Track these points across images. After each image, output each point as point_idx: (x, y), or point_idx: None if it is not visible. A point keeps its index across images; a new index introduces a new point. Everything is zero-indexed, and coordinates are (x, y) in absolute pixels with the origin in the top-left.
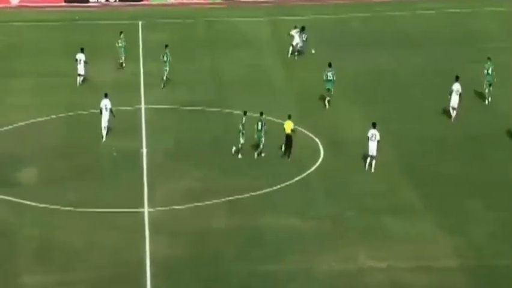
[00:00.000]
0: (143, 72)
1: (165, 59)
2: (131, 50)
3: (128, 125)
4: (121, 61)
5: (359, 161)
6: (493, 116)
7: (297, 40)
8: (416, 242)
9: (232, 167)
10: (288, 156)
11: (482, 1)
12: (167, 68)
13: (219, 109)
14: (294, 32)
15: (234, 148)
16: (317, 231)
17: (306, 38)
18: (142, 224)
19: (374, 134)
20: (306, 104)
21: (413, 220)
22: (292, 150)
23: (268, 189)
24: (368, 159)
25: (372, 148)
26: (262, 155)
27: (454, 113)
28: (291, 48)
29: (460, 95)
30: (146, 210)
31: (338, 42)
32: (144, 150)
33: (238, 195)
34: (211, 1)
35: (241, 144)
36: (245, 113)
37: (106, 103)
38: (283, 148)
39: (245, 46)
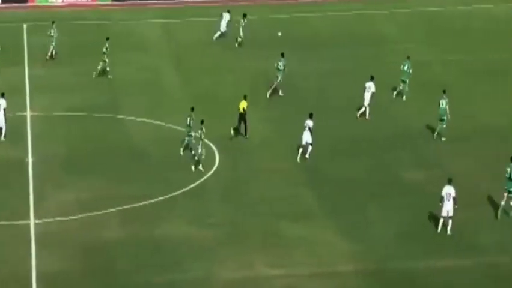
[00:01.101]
0: (29, 77)
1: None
2: (15, 53)
3: (13, 132)
4: (49, 54)
5: (256, 166)
6: (391, 119)
7: (223, 26)
8: (315, 248)
9: (125, 175)
10: (245, 134)
11: (382, 3)
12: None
13: (111, 115)
14: (224, 18)
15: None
16: (215, 239)
17: (245, 24)
18: (27, 237)
19: (307, 124)
20: (201, 108)
21: (312, 225)
22: (247, 127)
23: (163, 197)
24: (300, 150)
25: (307, 137)
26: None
27: (364, 110)
28: (218, 32)
29: (373, 93)
30: (32, 222)
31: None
32: (30, 159)
33: (132, 203)
34: (100, 2)
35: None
36: (192, 109)
37: (1, 103)
38: (232, 131)
39: (137, 48)
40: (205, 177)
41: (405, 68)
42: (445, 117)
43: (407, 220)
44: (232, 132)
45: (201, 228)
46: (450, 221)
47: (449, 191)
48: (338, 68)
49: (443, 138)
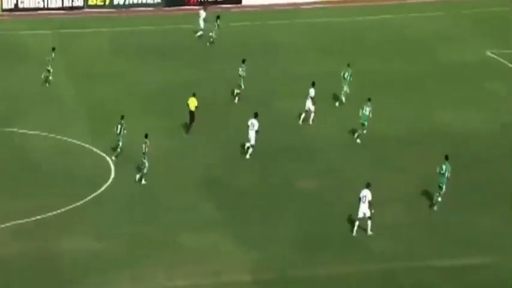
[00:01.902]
0: None
1: None
2: None
3: None
4: None
5: (154, 178)
6: (291, 129)
7: (202, 25)
8: (215, 258)
9: (18, 189)
10: (188, 131)
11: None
12: None
13: (2, 128)
14: (201, 18)
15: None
16: (114, 252)
17: (218, 26)
18: None
19: (253, 124)
20: (97, 121)
21: (212, 236)
22: (192, 126)
23: (59, 210)
24: (247, 148)
25: (251, 136)
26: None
27: (306, 115)
28: (200, 32)
29: (312, 98)
30: None
31: (135, 54)
32: None
33: (25, 218)
34: None
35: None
36: (122, 117)
37: None
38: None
39: (31, 60)
40: (101, 190)
41: (346, 75)
42: (366, 123)
43: (306, 229)
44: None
45: (98, 241)
46: (369, 222)
47: (365, 193)
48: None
49: (358, 141)
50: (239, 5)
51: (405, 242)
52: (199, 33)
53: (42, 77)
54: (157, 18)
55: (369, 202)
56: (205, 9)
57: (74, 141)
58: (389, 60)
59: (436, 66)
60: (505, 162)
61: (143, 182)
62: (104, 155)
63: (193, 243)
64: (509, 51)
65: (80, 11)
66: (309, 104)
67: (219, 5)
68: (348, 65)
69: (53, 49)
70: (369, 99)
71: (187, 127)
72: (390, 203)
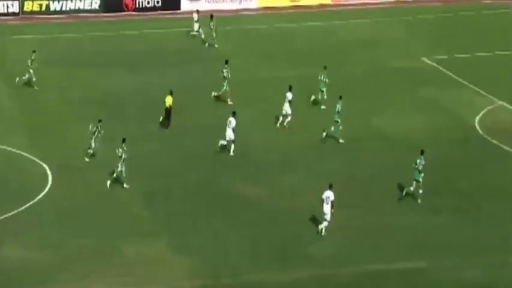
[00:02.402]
0: None
1: None
2: None
3: None
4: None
5: (92, 187)
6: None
7: (196, 27)
8: (154, 266)
9: None
10: (167, 127)
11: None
12: None
13: None
14: (195, 19)
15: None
16: (51, 262)
17: (214, 26)
18: None
19: (230, 122)
20: (35, 129)
21: (150, 244)
22: (170, 123)
23: None
24: (222, 145)
25: (229, 134)
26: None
27: (284, 119)
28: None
29: (290, 101)
30: None
31: (73, 61)
32: None
33: None
34: None
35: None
36: (99, 121)
37: None
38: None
39: None
40: (38, 198)
41: (322, 77)
42: (339, 120)
43: (243, 235)
44: (159, 124)
45: (35, 251)
46: (325, 223)
47: (328, 195)
48: (175, 84)
49: (341, 140)
50: (178, 11)
51: (345, 247)
52: (192, 33)
53: (24, 78)
54: (95, 24)
55: (331, 202)
56: (197, 12)
57: (12, 149)
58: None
59: (372, 72)
60: (441, 166)
61: (125, 186)
62: (41, 163)
63: (132, 252)
64: (445, 57)
65: (16, 17)
66: (286, 108)
67: (157, 11)
68: (325, 68)
69: (34, 52)
70: (340, 97)
71: (163, 124)
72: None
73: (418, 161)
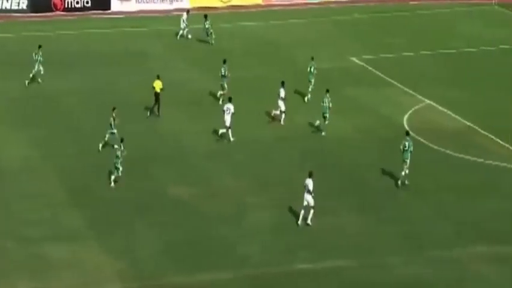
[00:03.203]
0: None
1: None
2: None
3: None
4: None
5: (17, 189)
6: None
7: (183, 25)
8: (82, 269)
9: None
10: (158, 112)
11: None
12: None
13: None
14: (182, 19)
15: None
16: None
17: (210, 25)
18: None
19: (228, 108)
20: None
21: (78, 246)
22: (159, 107)
23: None
24: (222, 133)
25: (227, 119)
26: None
27: (281, 116)
28: (180, 31)
29: (282, 98)
30: None
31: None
32: None
33: None
34: None
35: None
36: (114, 108)
37: None
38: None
39: None
40: None
41: (312, 69)
42: (327, 114)
43: (173, 237)
44: (148, 113)
45: None
46: (311, 211)
47: (307, 182)
48: (94, 86)
49: (323, 133)
50: (107, 11)
51: (274, 247)
52: (180, 33)
53: (31, 75)
54: (21, 25)
55: (309, 191)
56: (187, 12)
57: None
58: (251, 66)
59: (299, 72)
60: (367, 166)
61: (112, 184)
62: None
63: (59, 255)
64: (374, 57)
65: None
66: (280, 104)
67: (87, 11)
68: (312, 59)
69: (40, 47)
70: (327, 91)
71: (152, 109)
72: (260, 208)
73: (407, 143)
